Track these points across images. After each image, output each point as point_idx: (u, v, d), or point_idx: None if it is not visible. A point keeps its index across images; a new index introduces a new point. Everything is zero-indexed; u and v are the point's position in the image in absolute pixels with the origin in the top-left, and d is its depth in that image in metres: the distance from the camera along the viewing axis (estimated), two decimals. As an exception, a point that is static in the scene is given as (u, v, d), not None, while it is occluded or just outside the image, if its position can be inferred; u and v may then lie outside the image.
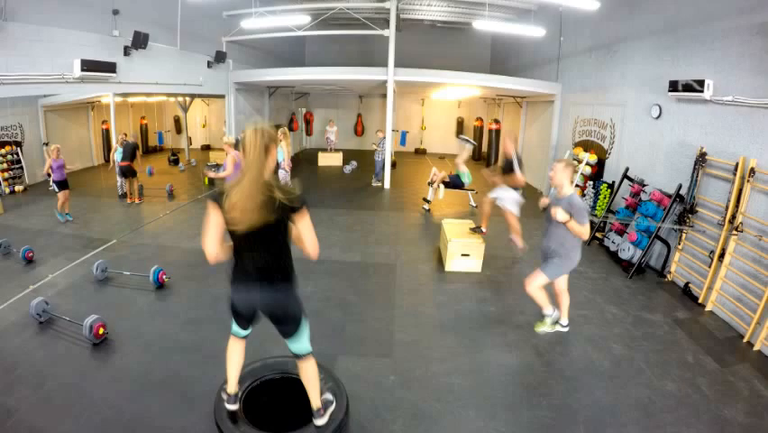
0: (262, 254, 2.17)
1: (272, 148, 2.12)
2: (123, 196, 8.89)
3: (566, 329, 4.13)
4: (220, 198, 2.08)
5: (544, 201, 3.96)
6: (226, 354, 2.51)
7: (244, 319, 2.40)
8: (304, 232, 2.17)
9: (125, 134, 9.13)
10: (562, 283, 3.99)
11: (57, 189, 7.19)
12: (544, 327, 4.06)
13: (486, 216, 6.11)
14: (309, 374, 2.45)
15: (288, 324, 2.35)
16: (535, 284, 3.84)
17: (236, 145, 7.19)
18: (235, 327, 2.46)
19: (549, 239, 3.80)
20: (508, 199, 5.84)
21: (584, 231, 3.55)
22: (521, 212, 6.00)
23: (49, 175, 7.32)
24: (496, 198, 5.96)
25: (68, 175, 7.37)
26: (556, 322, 4.09)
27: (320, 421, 2.47)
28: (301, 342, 2.39)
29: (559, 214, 3.54)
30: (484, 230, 5.95)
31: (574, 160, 8.54)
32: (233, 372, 2.51)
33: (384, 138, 10.69)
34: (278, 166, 7.33)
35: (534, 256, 6.07)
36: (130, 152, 8.43)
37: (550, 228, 3.79)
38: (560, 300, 4.06)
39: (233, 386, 2.51)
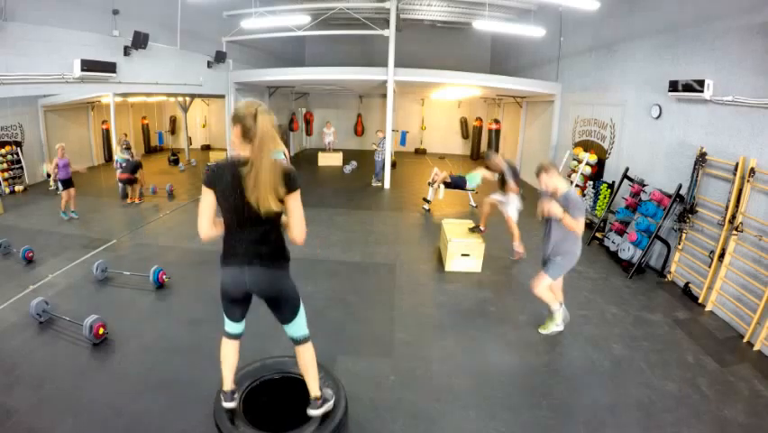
0: (255, 234, 2.17)
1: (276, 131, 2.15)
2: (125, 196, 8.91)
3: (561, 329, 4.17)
4: (213, 179, 2.11)
5: (543, 208, 3.92)
6: (220, 355, 2.49)
7: (236, 306, 2.36)
8: (294, 212, 2.16)
9: (125, 134, 9.15)
10: (558, 281, 4.05)
11: (61, 188, 7.18)
12: (551, 326, 4.09)
13: (485, 215, 6.17)
14: (307, 359, 2.44)
15: (283, 306, 2.34)
16: (542, 286, 3.88)
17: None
18: (228, 325, 2.43)
19: (549, 238, 3.83)
20: (510, 204, 5.93)
21: (576, 225, 3.55)
22: (521, 213, 6.02)
23: (48, 175, 7.31)
24: (498, 201, 6.06)
25: (72, 175, 7.34)
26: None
27: (315, 412, 2.44)
28: (298, 325, 2.40)
29: (554, 208, 3.56)
30: (483, 228, 5.98)
31: (574, 160, 8.55)
32: (228, 372, 2.49)
33: (384, 138, 10.69)
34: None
35: (533, 256, 6.08)
36: (131, 169, 8.52)
37: (549, 228, 3.81)
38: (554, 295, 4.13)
39: (228, 383, 2.50)
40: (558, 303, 4.06)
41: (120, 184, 8.88)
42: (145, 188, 9.12)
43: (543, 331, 4.12)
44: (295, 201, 2.14)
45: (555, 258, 3.81)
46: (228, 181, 2.09)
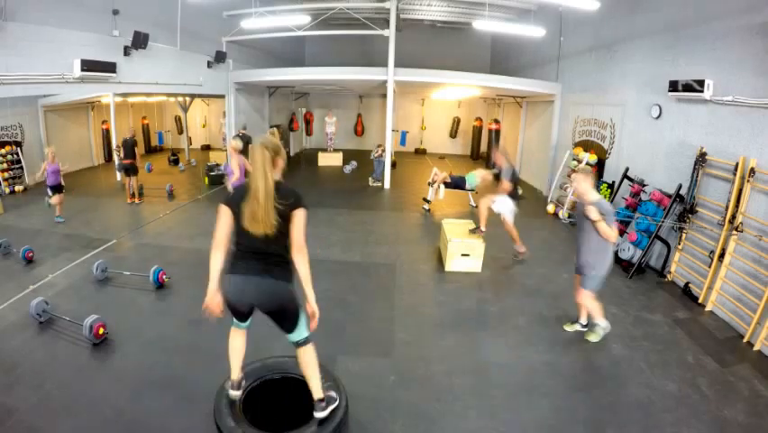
0: (263, 251, 2.27)
1: (278, 159, 2.29)
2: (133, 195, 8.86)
3: (585, 329, 4.15)
4: (232, 203, 2.28)
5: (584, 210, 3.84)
6: (228, 345, 2.55)
7: (240, 313, 2.45)
8: (295, 225, 2.26)
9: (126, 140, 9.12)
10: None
11: (50, 194, 7.00)
12: (600, 333, 4.04)
13: (484, 216, 6.10)
14: (308, 360, 2.49)
15: (286, 319, 2.42)
16: (587, 300, 3.89)
17: (243, 150, 7.18)
18: (235, 319, 2.51)
19: (581, 247, 3.84)
20: (504, 207, 5.90)
21: (610, 233, 3.59)
22: (520, 214, 6.02)
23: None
24: (493, 202, 6.02)
25: (66, 176, 7.18)
26: (585, 325, 4.15)
27: (320, 414, 2.47)
28: (299, 332, 2.46)
29: (593, 212, 3.56)
30: (483, 229, 5.95)
31: (574, 160, 8.54)
32: (236, 360, 2.55)
33: (384, 152, 10.79)
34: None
35: (536, 257, 6.08)
36: (130, 149, 8.45)
37: (581, 239, 3.81)
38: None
39: (236, 372, 2.55)
40: (604, 319, 3.99)
41: (120, 172, 8.77)
42: (141, 166, 8.82)
43: (591, 339, 4.03)
44: (298, 216, 2.28)
45: (590, 272, 3.80)
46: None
